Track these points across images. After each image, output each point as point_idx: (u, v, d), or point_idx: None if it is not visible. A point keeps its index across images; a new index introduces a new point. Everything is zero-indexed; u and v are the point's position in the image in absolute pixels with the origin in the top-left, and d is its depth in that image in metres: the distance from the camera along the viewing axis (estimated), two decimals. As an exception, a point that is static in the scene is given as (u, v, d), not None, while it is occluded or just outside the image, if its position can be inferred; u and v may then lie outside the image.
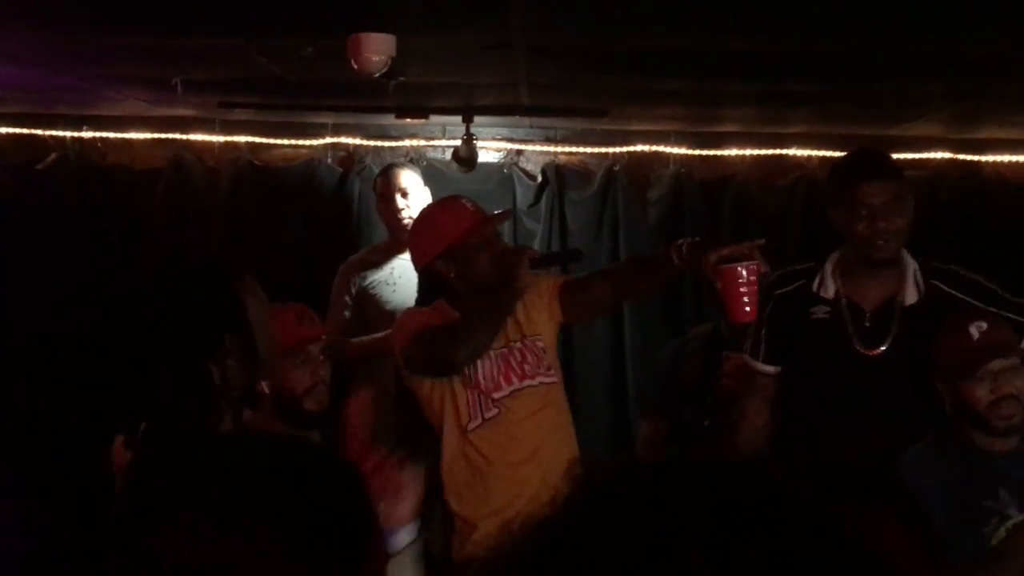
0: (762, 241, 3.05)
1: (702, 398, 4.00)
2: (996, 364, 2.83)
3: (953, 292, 3.05)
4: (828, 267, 3.14)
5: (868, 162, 3.11)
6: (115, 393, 4.98)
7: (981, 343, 2.85)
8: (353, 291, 4.34)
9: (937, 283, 3.07)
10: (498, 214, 3.63)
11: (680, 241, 3.07)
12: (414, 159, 5.45)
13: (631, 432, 5.35)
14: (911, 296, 3.06)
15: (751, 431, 3.17)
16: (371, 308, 4.31)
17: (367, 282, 4.34)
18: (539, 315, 3.21)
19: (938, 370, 2.93)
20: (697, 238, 3.13)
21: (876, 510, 1.38)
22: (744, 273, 2.94)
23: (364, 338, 4.23)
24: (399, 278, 4.27)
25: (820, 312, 3.10)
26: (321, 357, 2.92)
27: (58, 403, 5.31)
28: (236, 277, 2.20)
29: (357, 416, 4.17)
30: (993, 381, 2.83)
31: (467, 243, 3.14)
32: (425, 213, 3.47)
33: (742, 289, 2.94)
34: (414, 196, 4.38)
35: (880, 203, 2.98)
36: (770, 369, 3.18)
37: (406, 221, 4.24)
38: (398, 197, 4.38)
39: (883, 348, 3.04)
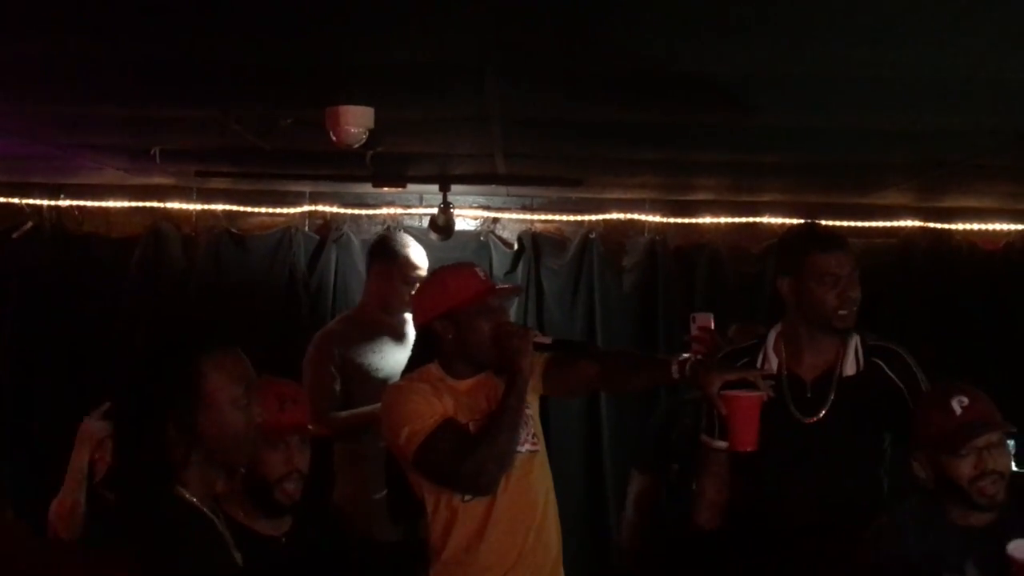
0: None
1: (690, 458, 4.05)
2: (981, 440, 2.78)
3: (892, 375, 3.14)
4: (770, 342, 3.23)
5: (829, 234, 3.20)
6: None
7: (965, 419, 2.80)
8: (338, 361, 4.21)
9: (878, 361, 3.15)
10: (507, 288, 3.55)
11: (684, 356, 3.03)
12: (391, 227, 5.49)
13: (606, 495, 5.36)
14: (849, 368, 3.15)
15: (710, 506, 3.26)
16: (356, 378, 4.23)
17: (351, 351, 4.24)
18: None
19: (918, 442, 2.89)
20: (699, 357, 3.09)
21: None
22: (751, 404, 2.92)
23: (353, 412, 4.13)
24: (383, 347, 4.25)
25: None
26: (299, 446, 2.86)
27: (32, 476, 5.25)
28: (202, 349, 2.19)
29: (344, 500, 4.13)
30: (977, 457, 2.78)
31: (470, 308, 3.12)
32: (436, 273, 3.48)
33: (743, 418, 2.93)
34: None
35: (846, 274, 3.08)
36: (724, 445, 3.23)
37: (407, 298, 4.15)
38: (417, 275, 4.24)
39: (821, 415, 3.12)
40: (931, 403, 2.91)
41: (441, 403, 3.08)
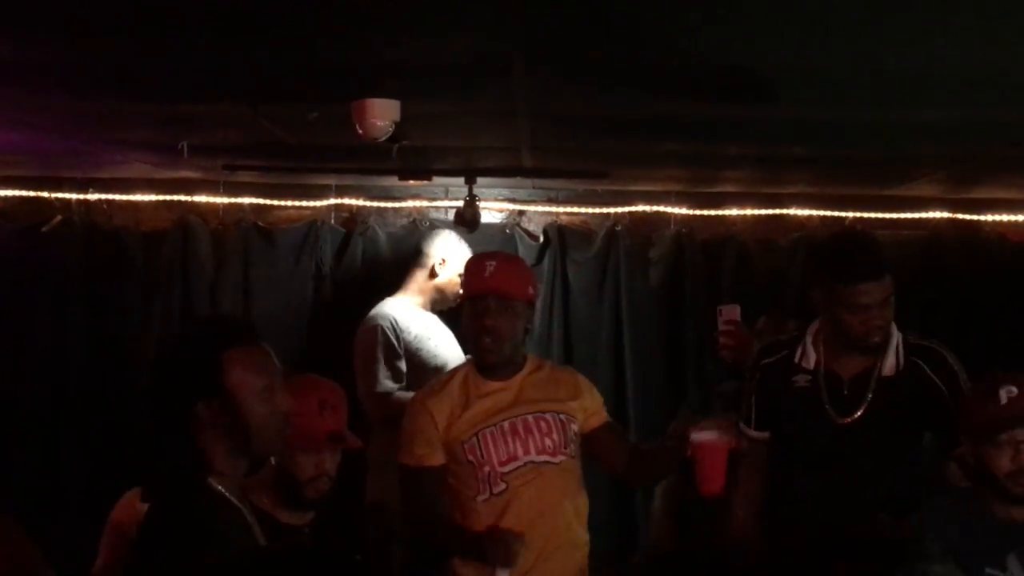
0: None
1: None
2: (1020, 433, 2.77)
3: (932, 375, 3.11)
4: (809, 337, 3.23)
5: (863, 263, 3.09)
6: (119, 454, 5.00)
7: (1008, 409, 2.78)
8: (402, 344, 4.25)
9: (918, 361, 3.12)
10: (493, 297, 3.13)
11: (670, 430, 3.25)
12: (417, 220, 5.50)
13: (634, 491, 5.35)
14: (889, 368, 3.13)
15: (746, 496, 3.25)
16: (413, 364, 4.23)
17: (411, 336, 4.27)
18: (578, 411, 3.26)
19: (965, 430, 2.91)
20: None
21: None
22: (716, 449, 3.03)
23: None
24: (439, 334, 4.29)
25: (801, 381, 3.19)
26: (330, 450, 2.88)
27: (63, 466, 5.30)
28: (225, 344, 2.21)
29: (380, 491, 4.14)
30: (1015, 451, 2.78)
31: (464, 304, 3.24)
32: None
33: (709, 463, 3.04)
34: None
35: (875, 302, 3.05)
36: (762, 435, 3.23)
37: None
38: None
39: (857, 415, 3.11)
40: (981, 390, 2.89)
41: (439, 434, 3.13)
